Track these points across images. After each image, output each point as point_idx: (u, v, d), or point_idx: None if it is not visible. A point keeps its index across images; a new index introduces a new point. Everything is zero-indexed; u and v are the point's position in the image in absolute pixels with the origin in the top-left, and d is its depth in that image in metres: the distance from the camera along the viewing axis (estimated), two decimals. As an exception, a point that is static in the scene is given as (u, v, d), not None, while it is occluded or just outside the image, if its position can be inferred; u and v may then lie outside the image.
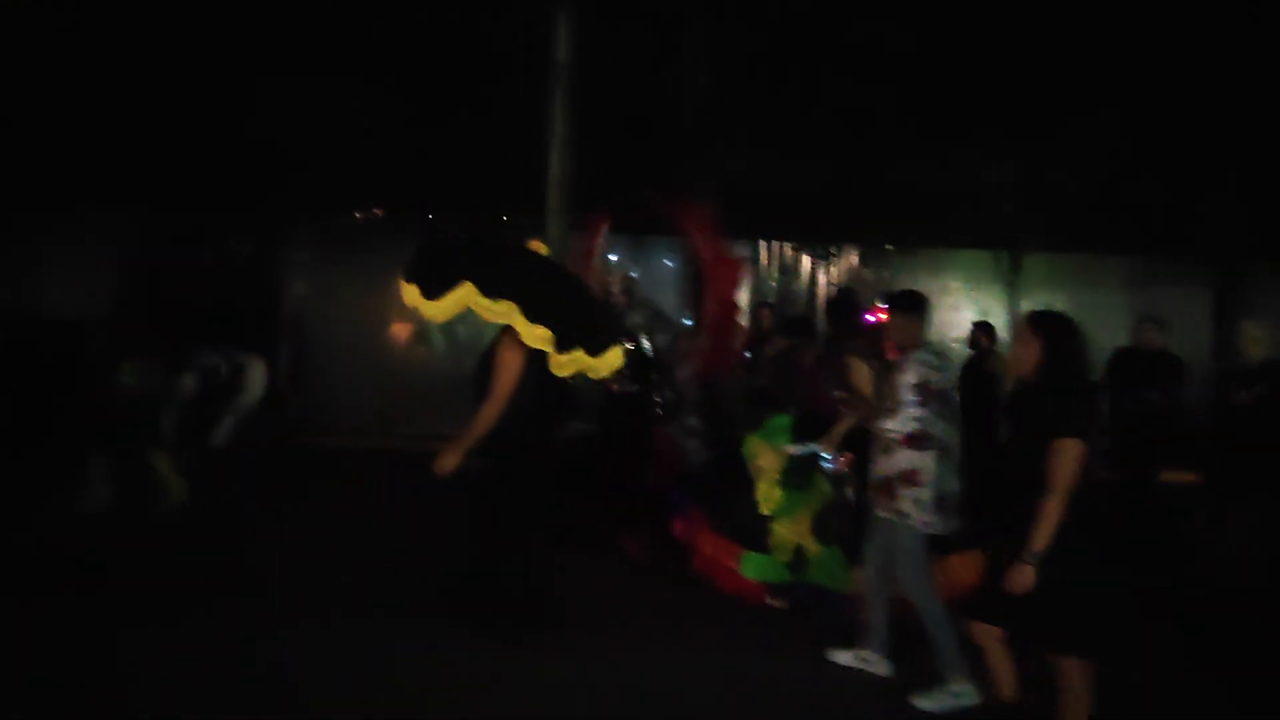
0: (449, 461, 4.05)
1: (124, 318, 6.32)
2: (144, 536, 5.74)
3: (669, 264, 8.67)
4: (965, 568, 4.05)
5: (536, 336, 4.05)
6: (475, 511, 4.24)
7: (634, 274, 7.59)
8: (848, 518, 4.87)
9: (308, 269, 9.44)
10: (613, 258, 8.45)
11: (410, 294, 4.09)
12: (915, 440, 3.81)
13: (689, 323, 7.14)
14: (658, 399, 6.50)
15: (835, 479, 5.03)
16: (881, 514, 3.93)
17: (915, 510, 3.80)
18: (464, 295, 4.00)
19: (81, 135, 8.78)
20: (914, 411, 3.82)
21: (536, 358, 4.11)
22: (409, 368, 9.33)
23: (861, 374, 4.64)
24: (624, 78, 8.23)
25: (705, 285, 6.61)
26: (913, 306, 4.03)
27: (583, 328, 4.29)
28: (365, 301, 9.30)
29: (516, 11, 7.89)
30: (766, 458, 5.25)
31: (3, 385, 8.10)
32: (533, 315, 4.05)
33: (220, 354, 7.71)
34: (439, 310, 4.06)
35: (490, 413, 4.07)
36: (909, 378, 3.86)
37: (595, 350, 4.23)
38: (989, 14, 8.73)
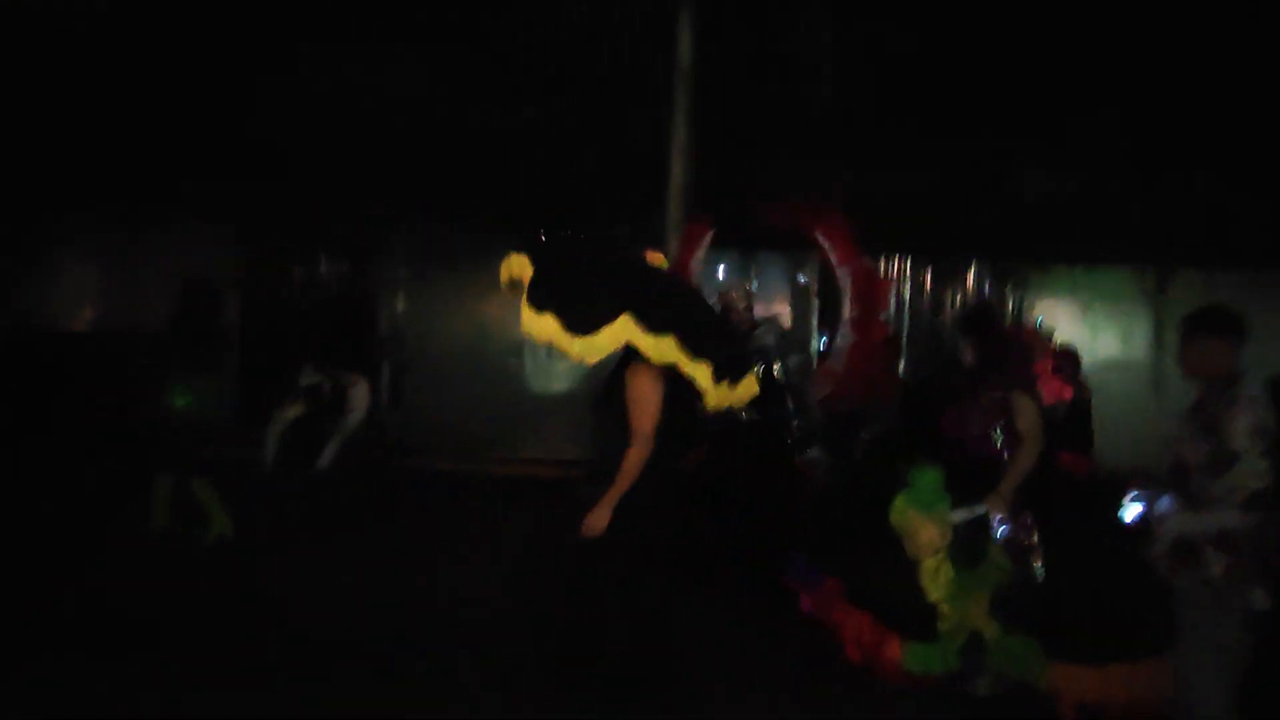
0: (599, 520, 3.50)
1: (181, 334, 5.89)
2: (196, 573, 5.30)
3: (801, 279, 8.08)
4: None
5: (700, 374, 3.48)
6: (583, 547, 3.63)
7: (751, 290, 7.06)
8: (1036, 595, 4.07)
9: (406, 283, 9.11)
10: (719, 272, 7.94)
11: (545, 327, 3.38)
12: (1255, 499, 3.04)
13: (822, 343, 6.56)
14: (792, 429, 5.93)
15: (1015, 547, 4.17)
16: (1181, 584, 3.20)
17: (1229, 581, 3.06)
18: (622, 330, 3.39)
19: (158, 143, 8.64)
20: (1255, 464, 3.03)
21: (671, 384, 3.58)
22: (510, 387, 8.91)
23: (1030, 414, 3.99)
24: (744, 83, 7.71)
25: (847, 301, 6.05)
26: (1227, 327, 3.20)
27: (730, 355, 3.75)
28: (466, 317, 8.93)
29: (636, 11, 7.44)
30: (926, 530, 4.22)
31: (57, 401, 7.94)
32: (695, 350, 3.47)
33: (322, 373, 7.41)
34: (591, 348, 3.39)
35: (637, 457, 3.51)
36: (1243, 421, 3.06)
37: (736, 379, 3.68)
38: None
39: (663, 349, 3.41)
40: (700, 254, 6.55)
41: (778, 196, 6.73)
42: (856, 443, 6.27)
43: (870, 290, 5.95)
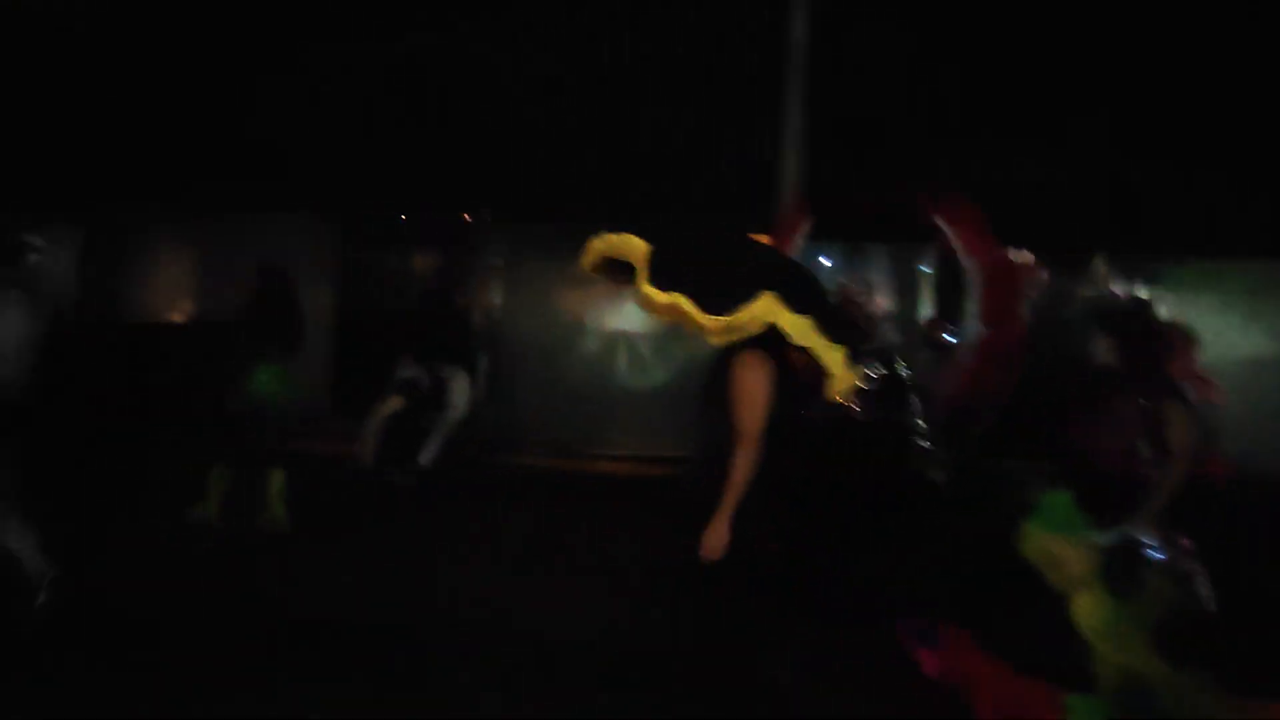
0: (718, 538, 3.14)
1: (254, 321, 5.76)
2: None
3: (924, 268, 7.63)
4: None
5: (835, 361, 3.19)
6: (680, 550, 3.26)
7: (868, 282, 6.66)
8: (1206, 625, 3.66)
9: (501, 274, 8.97)
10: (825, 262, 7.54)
11: (673, 307, 3.12)
12: None
13: (950, 339, 6.13)
14: (914, 431, 5.52)
15: (1174, 573, 3.67)
16: None
17: None
18: (765, 308, 3.10)
19: (254, 132, 8.68)
20: None
21: (782, 377, 3.24)
22: (605, 381, 8.69)
23: (1185, 427, 3.55)
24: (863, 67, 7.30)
25: (978, 294, 5.62)
26: None
27: (859, 344, 3.47)
28: (562, 309, 8.75)
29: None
30: (1071, 559, 3.66)
31: (128, 388, 7.99)
32: (831, 333, 3.20)
33: (421, 367, 7.29)
34: (729, 328, 3.12)
35: (746, 462, 3.16)
36: None
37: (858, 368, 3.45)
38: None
39: (803, 329, 3.14)
40: (797, 244, 6.19)
41: (892, 185, 6.34)
42: (968, 452, 5.82)
43: (1005, 282, 5.51)
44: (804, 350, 3.20)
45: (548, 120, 7.85)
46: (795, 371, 3.30)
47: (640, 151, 7.67)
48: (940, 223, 5.72)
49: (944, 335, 6.00)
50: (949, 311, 6.54)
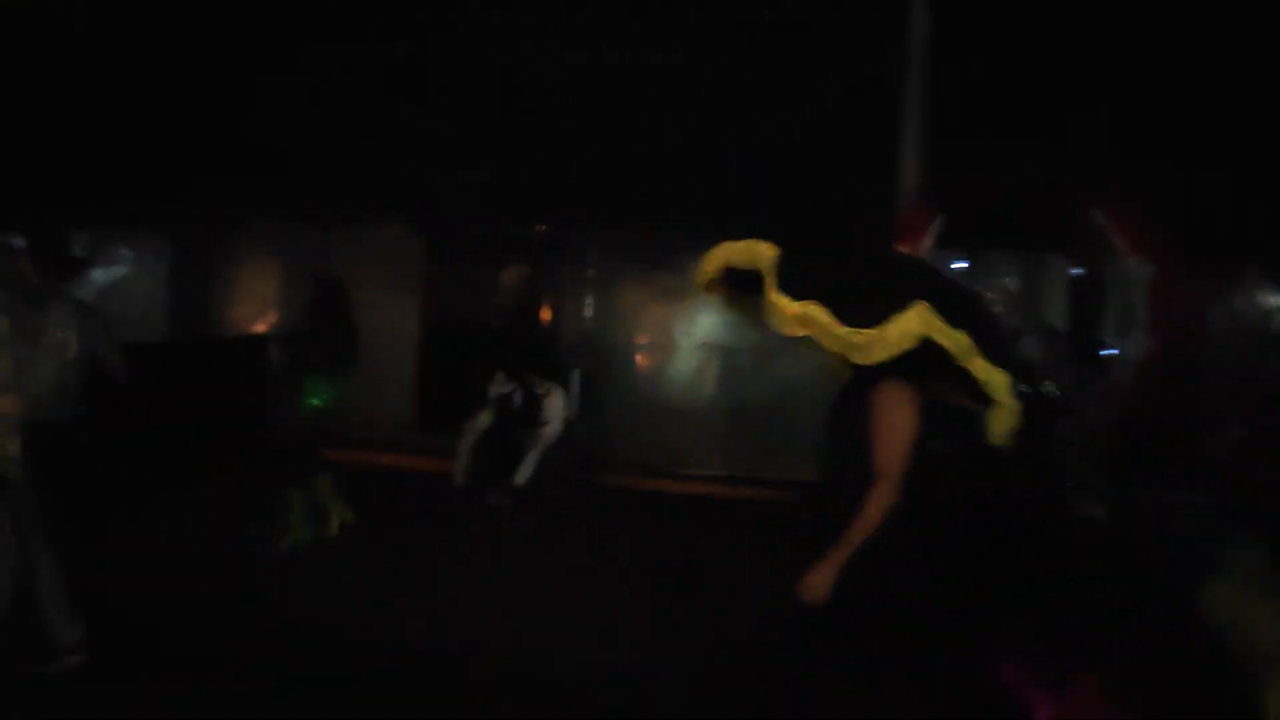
0: (821, 582, 2.71)
1: (313, 333, 5.41)
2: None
3: (1072, 274, 6.98)
4: None
5: (998, 386, 2.72)
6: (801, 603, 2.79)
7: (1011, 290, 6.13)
8: None
9: (596, 286, 8.62)
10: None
11: (806, 320, 2.69)
12: None
13: (1108, 353, 5.54)
14: (1064, 463, 4.94)
15: None
16: None
17: None
18: (917, 320, 2.65)
19: (340, 145, 8.49)
20: None
21: (929, 409, 2.81)
22: (703, 399, 8.25)
23: None
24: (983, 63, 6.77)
25: (1146, 304, 5.06)
26: None
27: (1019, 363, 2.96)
28: (660, 323, 8.35)
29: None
30: (1269, 630, 3.10)
31: (182, 407, 7.67)
32: (989, 352, 2.71)
33: (515, 381, 6.96)
34: (877, 343, 2.65)
35: (880, 503, 2.72)
36: None
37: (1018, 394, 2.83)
38: None
39: (963, 347, 2.68)
40: (927, 246, 5.71)
41: (1026, 188, 5.79)
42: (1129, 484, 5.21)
43: (1176, 290, 4.95)
44: (961, 374, 2.75)
45: (651, 125, 7.48)
46: (945, 402, 2.88)
47: (743, 157, 7.23)
48: (1099, 226, 5.17)
49: (1097, 350, 5.44)
50: (1101, 323, 5.96)
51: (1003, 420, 2.79)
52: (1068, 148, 6.63)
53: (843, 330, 2.67)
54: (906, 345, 2.67)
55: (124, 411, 4.30)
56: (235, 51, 8.47)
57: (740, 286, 3.05)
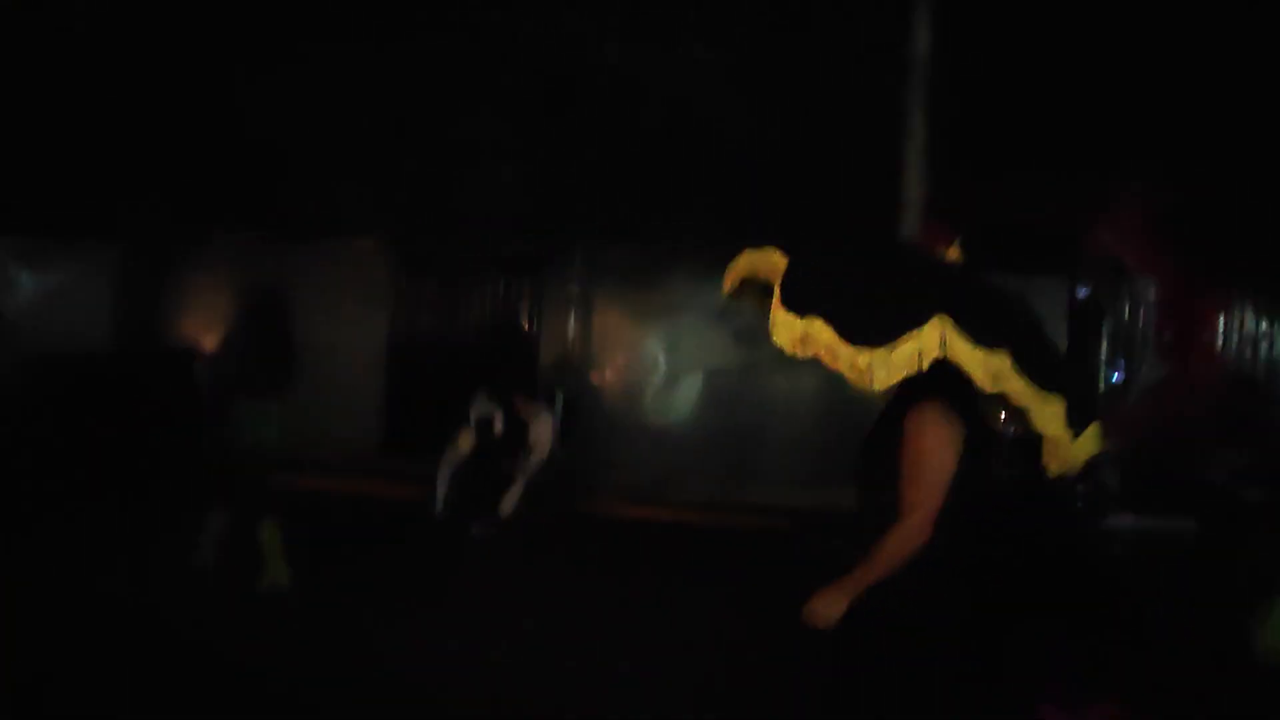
0: (830, 608, 2.41)
1: (237, 351, 4.95)
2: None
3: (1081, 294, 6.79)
4: None
5: (1049, 417, 2.38)
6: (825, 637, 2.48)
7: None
8: None
9: (579, 304, 8.27)
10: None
11: (810, 336, 2.36)
12: None
13: (1117, 377, 5.41)
14: (1081, 492, 4.75)
15: None
16: None
17: None
18: (933, 337, 2.31)
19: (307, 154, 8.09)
20: None
21: (971, 437, 2.48)
22: (693, 422, 7.95)
23: None
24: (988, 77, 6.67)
25: (1167, 327, 4.94)
26: None
27: (1080, 388, 2.68)
28: (648, 343, 8.04)
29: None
30: None
31: (109, 423, 7.21)
32: (1037, 376, 2.36)
33: (496, 404, 6.55)
34: (886, 365, 2.32)
35: (907, 540, 2.41)
36: None
37: (1082, 425, 2.47)
38: None
39: (995, 370, 2.33)
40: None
41: (1036, 207, 5.67)
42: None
43: (1198, 312, 4.84)
44: (1003, 400, 2.47)
45: (645, 134, 7.21)
46: (992, 431, 2.58)
47: (741, 168, 7.01)
48: (1114, 246, 5.04)
49: (1114, 374, 5.30)
50: (1117, 347, 5.82)
51: (1062, 457, 2.44)
52: (1072, 166, 6.57)
53: (847, 350, 2.33)
54: (917, 367, 2.32)
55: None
56: (202, 57, 8.04)
57: (766, 296, 2.60)
